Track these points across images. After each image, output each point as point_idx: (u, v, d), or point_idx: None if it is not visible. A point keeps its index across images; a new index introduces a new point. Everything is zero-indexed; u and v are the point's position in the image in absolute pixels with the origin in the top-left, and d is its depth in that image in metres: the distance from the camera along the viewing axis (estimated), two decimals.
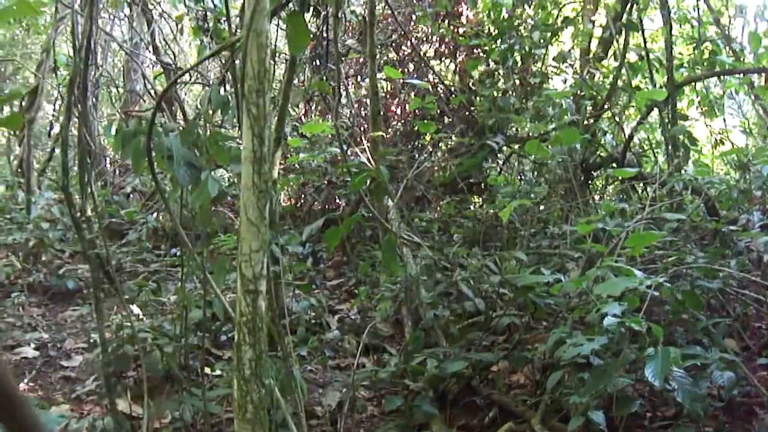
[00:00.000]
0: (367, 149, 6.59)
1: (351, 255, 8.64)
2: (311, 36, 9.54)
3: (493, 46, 9.91)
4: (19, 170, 11.98)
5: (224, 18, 9.60)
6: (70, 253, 9.59)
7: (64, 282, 8.73)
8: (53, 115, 13.15)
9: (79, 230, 4.58)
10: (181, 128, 3.68)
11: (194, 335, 5.85)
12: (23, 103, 12.99)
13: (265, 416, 3.05)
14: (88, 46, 5.84)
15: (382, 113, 8.94)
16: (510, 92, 9.87)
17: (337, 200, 10.09)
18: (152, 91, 11.46)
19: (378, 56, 10.61)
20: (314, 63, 10.74)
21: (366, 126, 9.63)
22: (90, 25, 5.24)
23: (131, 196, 11.52)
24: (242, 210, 2.98)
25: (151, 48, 11.94)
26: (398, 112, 10.89)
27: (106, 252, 5.26)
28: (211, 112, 4.08)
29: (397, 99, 10.86)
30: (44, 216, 9.31)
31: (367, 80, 8.73)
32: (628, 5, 9.06)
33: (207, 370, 5.75)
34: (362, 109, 10.88)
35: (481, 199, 9.77)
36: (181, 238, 3.76)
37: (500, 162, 10.23)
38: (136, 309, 6.72)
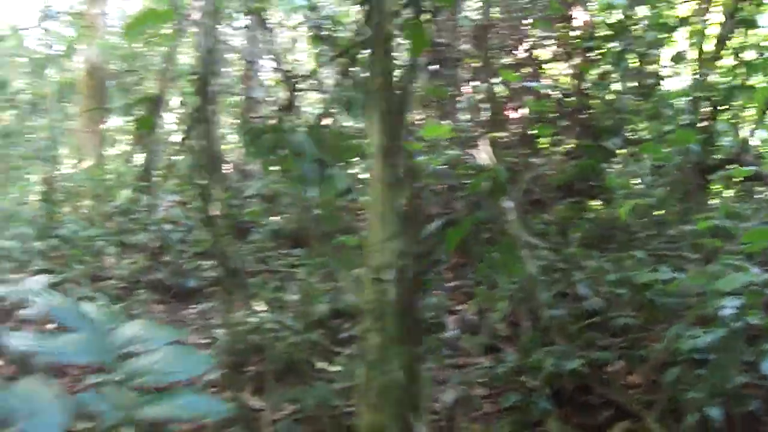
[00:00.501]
0: (485, 151, 6.63)
1: (468, 257, 8.67)
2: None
3: (608, 47, 9.81)
4: (142, 175, 12.43)
5: (341, 25, 9.79)
6: (191, 253, 9.88)
7: (186, 281, 9.03)
8: (175, 123, 13.58)
9: (210, 227, 4.73)
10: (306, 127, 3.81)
11: (315, 331, 5.99)
12: (148, 109, 13.48)
13: (389, 403, 3.12)
14: (211, 55, 6.06)
15: (498, 117, 8.97)
16: (626, 94, 9.75)
17: (453, 204, 10.11)
18: (271, 99, 11.71)
19: (492, 60, 10.63)
20: (429, 68, 10.82)
21: (482, 130, 9.66)
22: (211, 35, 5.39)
23: (251, 200, 11.80)
24: (371, 202, 3.07)
25: (268, 57, 12.21)
26: (514, 116, 10.86)
27: (232, 250, 5.43)
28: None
29: (512, 103, 10.84)
30: (167, 218, 9.64)
31: (482, 85, 8.78)
32: (744, 1, 8.86)
33: (326, 365, 5.88)
34: (478, 113, 10.90)
35: (597, 201, 9.68)
36: (308, 232, 3.87)
37: (617, 164, 10.11)
38: (259, 306, 6.89)
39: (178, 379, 1.49)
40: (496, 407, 5.81)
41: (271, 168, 3.89)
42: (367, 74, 3.23)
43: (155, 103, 13.06)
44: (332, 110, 4.14)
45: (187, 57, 14.32)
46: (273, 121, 3.65)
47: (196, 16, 12.22)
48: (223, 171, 12.74)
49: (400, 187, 3.14)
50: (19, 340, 1.58)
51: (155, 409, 1.42)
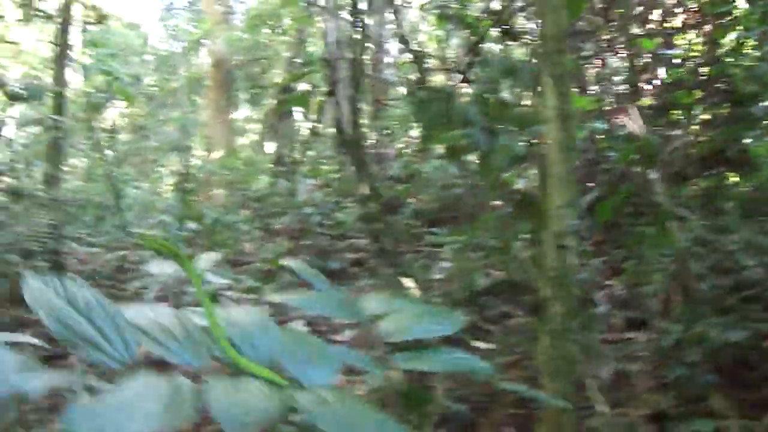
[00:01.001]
0: (635, 121, 6.48)
1: (612, 230, 8.51)
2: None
3: (743, 11, 9.47)
4: (276, 162, 12.65)
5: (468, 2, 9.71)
6: (331, 235, 10.01)
7: (328, 263, 9.14)
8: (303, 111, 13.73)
9: (362, 206, 4.75)
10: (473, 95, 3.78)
11: (465, 308, 5.97)
12: (278, 97, 13.71)
13: (570, 372, 3.09)
14: (363, 39, 6.11)
15: (635, 88, 8.74)
16: (765, 60, 9.39)
17: (597, 177, 9.94)
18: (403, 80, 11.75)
19: (625, 29, 10.38)
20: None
21: (622, 100, 9.44)
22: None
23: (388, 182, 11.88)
24: (549, 167, 3.03)
25: (396, 37, 12.22)
26: (648, 86, 10.60)
27: (382, 229, 5.46)
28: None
29: (646, 73, 10.58)
30: (308, 201, 9.79)
31: (615, 55, 8.58)
32: None
33: (480, 343, 5.85)
34: (613, 84, 10.68)
35: (740, 171, 9.36)
36: (462, 208, 3.84)
37: (761, 132, 9.75)
38: (409, 283, 6.91)
39: (432, 336, 1.49)
40: (653, 382, 5.70)
41: (439, 137, 3.87)
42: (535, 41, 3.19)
43: (286, 92, 13.25)
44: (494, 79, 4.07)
45: (314, 46, 14.47)
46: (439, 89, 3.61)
47: (322, 1, 12.36)
48: (363, 153, 12.89)
49: (574, 151, 3.09)
50: (285, 297, 1.65)
51: (416, 363, 1.42)
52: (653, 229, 6.01)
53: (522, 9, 11.08)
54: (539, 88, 3.12)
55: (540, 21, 3.16)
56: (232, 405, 1.06)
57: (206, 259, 3.99)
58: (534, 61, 4.20)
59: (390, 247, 5.44)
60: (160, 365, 1.37)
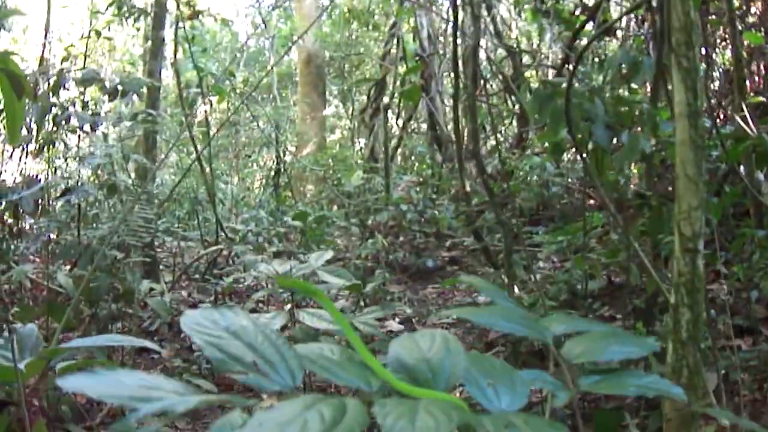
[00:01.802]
0: (742, 119, 6.22)
1: (718, 232, 8.21)
2: None
3: None
4: (370, 157, 12.61)
5: None
6: (427, 233, 9.93)
7: (424, 261, 9.06)
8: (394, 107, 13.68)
9: (492, 197, 4.64)
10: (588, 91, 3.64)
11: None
12: (371, 93, 13.66)
13: (699, 382, 2.93)
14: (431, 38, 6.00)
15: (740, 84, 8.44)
16: None
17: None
18: (500, 75, 11.64)
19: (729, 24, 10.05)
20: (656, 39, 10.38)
21: (727, 96, 9.14)
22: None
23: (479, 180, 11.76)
24: (679, 166, 2.88)
25: (492, 32, 12.07)
26: (757, 80, 10.25)
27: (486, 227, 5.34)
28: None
29: (755, 66, 10.24)
30: (405, 198, 9.71)
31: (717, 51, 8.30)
32: None
33: None
34: (719, 80, 10.37)
35: None
36: (606, 204, 3.70)
37: None
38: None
39: (619, 359, 1.38)
40: (761, 393, 5.46)
41: (559, 131, 3.74)
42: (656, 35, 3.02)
43: (379, 86, 13.20)
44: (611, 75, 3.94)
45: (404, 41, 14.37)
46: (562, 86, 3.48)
47: None
48: (450, 151, 12.79)
49: (703, 150, 2.93)
50: (459, 311, 1.58)
51: (607, 388, 1.32)
52: (762, 231, 5.76)
53: (618, 4, 10.82)
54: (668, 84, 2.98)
55: (661, 13, 3.00)
56: (407, 426, 0.98)
57: (318, 258, 3.96)
58: (651, 56, 4.04)
59: (492, 245, 5.27)
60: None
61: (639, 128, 3.56)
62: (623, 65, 3.88)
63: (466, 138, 10.29)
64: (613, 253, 5.62)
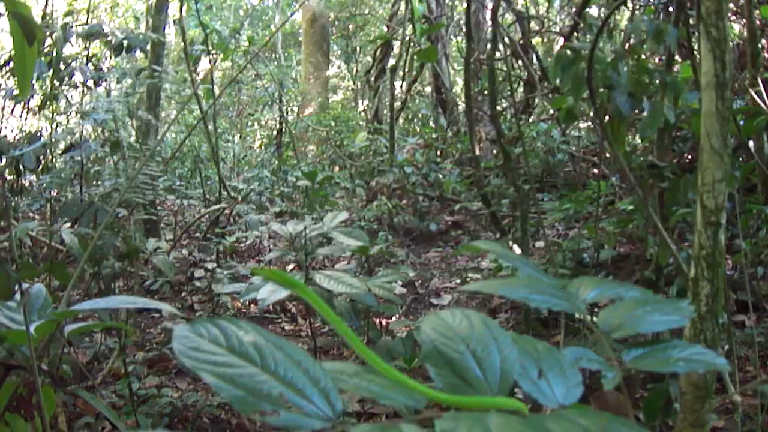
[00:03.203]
0: (756, 93, 6.13)
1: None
2: None
3: None
4: (374, 118, 12.52)
5: None
6: (431, 196, 9.88)
7: (427, 224, 9.01)
8: (402, 67, 13.55)
9: (508, 162, 4.57)
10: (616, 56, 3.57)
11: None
12: (377, 54, 13.54)
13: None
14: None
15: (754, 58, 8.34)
16: None
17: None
18: (506, 38, 11.51)
19: None
20: (668, 10, 10.25)
21: (739, 71, 9.04)
22: None
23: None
24: (704, 138, 2.82)
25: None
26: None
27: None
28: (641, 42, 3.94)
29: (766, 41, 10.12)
30: (409, 160, 9.65)
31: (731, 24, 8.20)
32: None
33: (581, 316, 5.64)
34: (732, 54, 10.25)
35: None
36: (623, 170, 3.64)
37: None
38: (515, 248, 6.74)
39: (659, 330, 1.29)
40: (764, 370, 5.45)
41: (580, 97, 3.67)
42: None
43: (385, 47, 13.07)
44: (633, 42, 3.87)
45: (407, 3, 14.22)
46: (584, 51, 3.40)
47: None
48: (454, 115, 12.71)
49: (729, 122, 2.87)
50: (483, 284, 1.43)
51: (653, 364, 1.22)
52: None
53: None
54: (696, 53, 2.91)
55: None
56: None
57: (333, 219, 3.89)
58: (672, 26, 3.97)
59: (500, 210, 5.21)
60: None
61: (659, 98, 3.50)
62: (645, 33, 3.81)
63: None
64: (624, 222, 5.57)
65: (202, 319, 1.08)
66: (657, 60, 7.70)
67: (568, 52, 3.54)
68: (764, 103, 5.95)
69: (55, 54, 6.48)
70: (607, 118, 3.78)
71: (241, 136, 18.02)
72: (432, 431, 0.88)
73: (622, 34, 9.86)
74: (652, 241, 4.27)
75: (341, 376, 1.09)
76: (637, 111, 3.65)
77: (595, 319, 1.34)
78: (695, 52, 3.47)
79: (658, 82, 3.57)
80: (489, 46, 7.08)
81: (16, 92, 6.92)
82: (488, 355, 1.14)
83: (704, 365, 1.22)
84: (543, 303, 1.30)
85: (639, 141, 7.16)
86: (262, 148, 17.20)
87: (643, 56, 5.18)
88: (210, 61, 10.20)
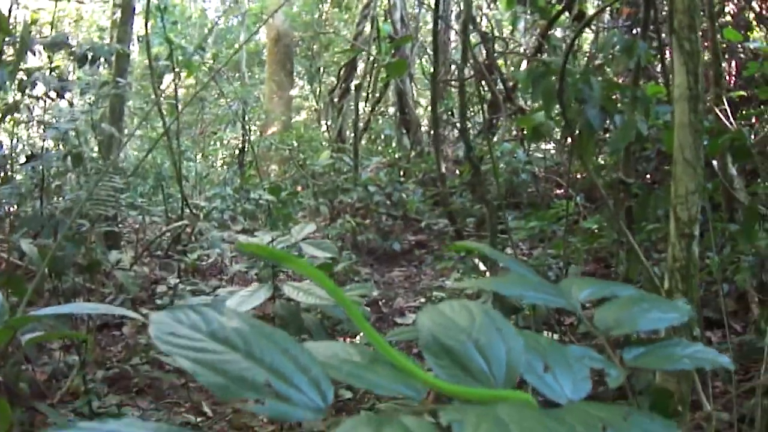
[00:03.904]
0: (721, 112, 6.18)
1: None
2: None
3: None
4: (338, 138, 12.50)
5: None
6: (395, 216, 9.87)
7: (390, 243, 8.98)
8: (366, 87, 13.56)
9: (478, 175, 4.56)
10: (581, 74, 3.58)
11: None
12: (341, 73, 13.53)
13: (689, 376, 2.89)
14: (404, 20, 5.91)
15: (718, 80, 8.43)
16: None
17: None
18: (471, 59, 11.55)
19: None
20: (632, 31, 10.37)
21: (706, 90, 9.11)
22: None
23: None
24: (677, 150, 2.82)
25: (462, 18, 11.97)
26: (732, 78, 10.26)
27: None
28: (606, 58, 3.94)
29: (732, 63, 10.24)
30: (373, 179, 9.62)
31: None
32: None
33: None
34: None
35: None
36: (592, 186, 3.63)
37: None
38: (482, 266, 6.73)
39: (655, 328, 1.25)
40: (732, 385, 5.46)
41: (552, 110, 3.66)
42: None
43: (349, 67, 13.07)
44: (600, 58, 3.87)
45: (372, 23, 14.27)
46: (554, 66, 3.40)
47: None
48: (417, 134, 12.73)
49: (702, 134, 2.87)
50: (477, 282, 1.40)
51: (652, 362, 1.19)
52: (733, 226, 5.75)
53: None
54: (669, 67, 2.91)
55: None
56: None
57: (301, 231, 3.83)
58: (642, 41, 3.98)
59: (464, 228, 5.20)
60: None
61: (630, 112, 3.50)
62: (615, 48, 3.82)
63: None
64: (592, 239, 5.58)
65: (181, 305, 1.02)
66: (621, 80, 7.77)
67: (539, 66, 3.55)
68: (728, 122, 6.00)
69: (15, 60, 6.38)
70: (576, 133, 3.78)
71: (203, 155, 17.91)
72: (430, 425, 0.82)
73: (586, 57, 9.96)
74: (622, 256, 4.28)
75: (332, 362, 1.03)
76: (604, 129, 3.66)
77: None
78: (666, 65, 3.48)
79: (626, 97, 3.58)
80: (459, 60, 7.12)
81: None
82: (492, 346, 1.07)
83: (710, 362, 1.19)
84: (538, 299, 1.27)
85: (603, 161, 7.21)
86: (225, 167, 17.11)
87: (608, 74, 5.22)
88: (174, 77, 10.12)
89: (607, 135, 8.56)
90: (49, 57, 7.12)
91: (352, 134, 11.56)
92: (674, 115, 2.89)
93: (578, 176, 7.67)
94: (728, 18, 10.79)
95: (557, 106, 3.50)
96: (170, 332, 0.97)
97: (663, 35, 9.69)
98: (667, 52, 6.35)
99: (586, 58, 9.77)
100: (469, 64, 10.82)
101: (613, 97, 3.61)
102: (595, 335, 1.26)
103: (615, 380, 1.12)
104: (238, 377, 0.91)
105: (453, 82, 11.85)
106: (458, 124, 6.49)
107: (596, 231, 6.03)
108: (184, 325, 0.99)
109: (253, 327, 0.99)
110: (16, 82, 6.52)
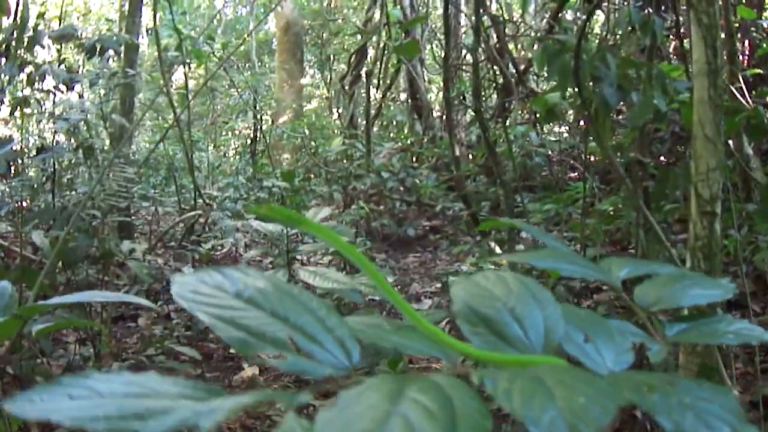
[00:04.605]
0: (737, 90, 6.10)
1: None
2: None
3: None
4: (349, 125, 12.46)
5: None
6: (408, 201, 9.82)
7: (405, 229, 8.93)
8: (377, 74, 13.49)
9: (494, 156, 4.50)
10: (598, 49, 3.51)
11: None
12: (351, 60, 13.47)
13: (714, 349, 2.84)
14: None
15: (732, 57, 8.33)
16: None
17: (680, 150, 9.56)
18: (483, 44, 11.45)
19: None
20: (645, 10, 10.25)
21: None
22: None
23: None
24: (696, 126, 2.75)
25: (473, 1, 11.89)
26: (746, 57, 10.15)
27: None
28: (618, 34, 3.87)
29: (746, 42, 10.13)
30: (386, 164, 9.57)
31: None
32: None
33: None
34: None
35: None
36: (615, 167, 3.57)
37: None
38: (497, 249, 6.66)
39: (701, 303, 1.20)
40: (753, 367, 5.40)
41: (567, 88, 3.60)
42: None
43: (359, 54, 13.00)
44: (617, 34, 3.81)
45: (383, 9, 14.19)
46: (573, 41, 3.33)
47: None
48: (429, 119, 12.67)
49: (722, 109, 2.81)
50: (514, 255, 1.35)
51: (699, 337, 1.14)
52: (751, 206, 5.68)
53: None
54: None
55: None
56: (550, 410, 0.73)
57: (316, 215, 3.78)
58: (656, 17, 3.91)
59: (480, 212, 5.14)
60: None
61: (647, 88, 3.43)
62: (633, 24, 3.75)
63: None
64: (609, 220, 5.52)
65: (205, 267, 0.99)
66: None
67: (554, 44, 3.49)
68: (745, 99, 5.92)
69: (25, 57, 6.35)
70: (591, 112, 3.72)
71: (215, 145, 17.89)
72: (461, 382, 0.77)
73: (597, 39, 9.87)
74: (642, 237, 4.22)
75: (359, 327, 0.99)
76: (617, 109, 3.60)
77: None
78: (683, 40, 3.42)
79: (643, 74, 3.51)
80: (469, 44, 7.05)
81: None
82: (529, 313, 1.03)
83: (756, 338, 1.13)
84: (576, 273, 1.21)
85: (617, 141, 7.14)
86: (237, 156, 17.09)
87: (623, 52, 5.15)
88: (184, 68, 10.08)
89: (619, 116, 8.50)
90: (57, 50, 7.09)
91: (364, 121, 11.49)
92: (693, 91, 2.82)
93: (592, 158, 7.61)
94: None
95: (572, 85, 3.45)
96: (193, 291, 0.94)
97: (678, 14, 9.60)
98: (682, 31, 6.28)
99: (596, 40, 9.69)
100: (480, 48, 10.74)
101: (632, 72, 3.55)
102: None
103: (657, 354, 1.07)
104: (258, 332, 0.89)
105: (464, 66, 11.81)
106: (472, 106, 6.41)
107: (612, 212, 5.96)
108: (207, 285, 0.96)
109: (279, 287, 0.97)
110: (25, 75, 6.49)
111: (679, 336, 1.13)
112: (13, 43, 6.61)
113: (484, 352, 0.95)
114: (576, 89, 3.47)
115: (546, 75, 3.64)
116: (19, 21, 6.13)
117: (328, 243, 1.07)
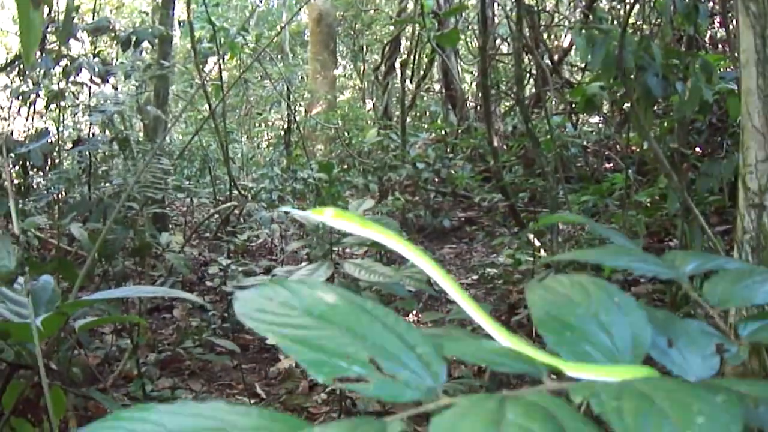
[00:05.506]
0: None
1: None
2: None
3: None
4: (384, 115, 12.42)
5: None
6: (442, 192, 9.78)
7: (441, 220, 8.89)
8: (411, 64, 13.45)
9: (537, 146, 4.46)
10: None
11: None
12: (385, 51, 13.44)
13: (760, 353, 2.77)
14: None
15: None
16: None
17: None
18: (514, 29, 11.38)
19: None
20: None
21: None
22: None
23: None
24: (745, 117, 2.69)
25: None
26: None
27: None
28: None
29: None
30: (422, 155, 9.53)
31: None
32: None
33: None
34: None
35: None
36: (659, 157, 3.51)
37: None
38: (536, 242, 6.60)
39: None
40: None
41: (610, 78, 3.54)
42: None
43: (393, 44, 12.96)
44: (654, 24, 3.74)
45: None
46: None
47: None
48: (464, 110, 12.60)
49: None
50: (579, 253, 1.32)
51: (767, 335, 1.08)
52: None
53: None
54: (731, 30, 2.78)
55: None
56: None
57: (359, 206, 3.75)
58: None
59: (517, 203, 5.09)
60: None
61: (693, 78, 3.37)
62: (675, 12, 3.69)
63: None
64: (652, 210, 5.45)
65: (266, 282, 0.93)
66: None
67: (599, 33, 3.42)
68: None
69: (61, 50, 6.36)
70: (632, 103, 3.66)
71: (249, 137, 17.93)
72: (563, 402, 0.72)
73: (632, 28, 9.75)
74: (686, 228, 4.15)
75: (441, 341, 0.90)
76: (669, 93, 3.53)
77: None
78: (731, 29, 3.35)
79: (683, 65, 3.45)
80: (504, 34, 6.98)
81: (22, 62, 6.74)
82: (613, 320, 0.98)
83: None
84: (646, 270, 1.17)
85: (655, 133, 7.06)
86: (270, 147, 17.11)
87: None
88: (218, 59, 10.07)
89: (654, 107, 8.36)
90: (92, 43, 7.11)
91: (398, 111, 11.45)
92: (740, 82, 2.75)
93: (629, 149, 7.52)
94: None
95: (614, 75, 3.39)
96: (258, 309, 0.88)
97: (725, 2, 9.46)
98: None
99: (631, 30, 9.58)
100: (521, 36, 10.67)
101: (676, 62, 3.49)
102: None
103: (735, 357, 1.02)
104: (336, 352, 0.82)
105: (498, 56, 11.74)
106: (514, 96, 6.35)
107: (649, 204, 5.88)
108: (273, 302, 0.90)
109: (352, 302, 0.90)
110: (61, 68, 6.52)
111: (754, 335, 1.08)
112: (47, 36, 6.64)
113: (576, 364, 0.90)
114: (619, 79, 3.41)
115: (586, 65, 3.58)
116: (64, 13, 6.12)
117: (394, 246, 1.02)
